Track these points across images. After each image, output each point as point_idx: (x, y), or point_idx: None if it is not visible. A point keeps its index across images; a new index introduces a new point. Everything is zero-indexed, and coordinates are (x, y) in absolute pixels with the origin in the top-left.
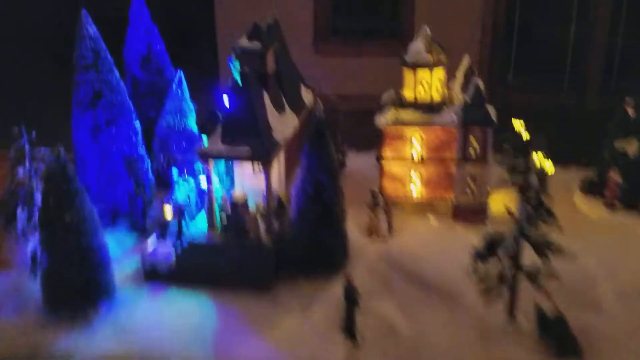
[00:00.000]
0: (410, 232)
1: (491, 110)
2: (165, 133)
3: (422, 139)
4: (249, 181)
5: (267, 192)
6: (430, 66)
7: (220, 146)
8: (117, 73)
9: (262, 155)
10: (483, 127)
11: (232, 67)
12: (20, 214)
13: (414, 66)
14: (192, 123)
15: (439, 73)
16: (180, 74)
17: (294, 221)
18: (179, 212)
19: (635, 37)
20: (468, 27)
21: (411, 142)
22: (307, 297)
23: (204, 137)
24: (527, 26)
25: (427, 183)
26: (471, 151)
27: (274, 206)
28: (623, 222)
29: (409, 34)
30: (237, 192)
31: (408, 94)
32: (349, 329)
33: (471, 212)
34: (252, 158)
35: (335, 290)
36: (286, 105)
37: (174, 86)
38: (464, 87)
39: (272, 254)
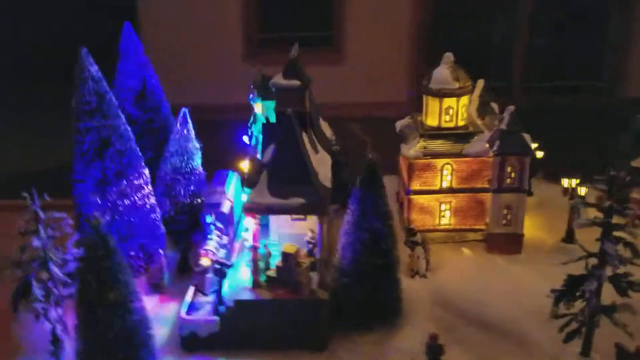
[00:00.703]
0: (451, 267)
1: (527, 138)
2: (170, 177)
3: (452, 169)
4: (286, 229)
5: (320, 243)
6: (457, 94)
7: (269, 199)
8: (123, 117)
9: (319, 207)
10: (520, 156)
11: (259, 106)
12: (36, 289)
13: (440, 95)
14: (198, 164)
15: (465, 100)
16: (185, 111)
17: (345, 271)
18: (219, 268)
19: (556, 36)
20: (397, 35)
21: (441, 173)
22: (366, 355)
23: (247, 190)
24: (453, 29)
25: (456, 213)
26: (507, 180)
27: (326, 257)
28: None
29: (340, 43)
30: (287, 243)
31: (431, 122)
32: None
33: (506, 242)
34: (308, 211)
35: (395, 344)
36: (317, 144)
37: (178, 124)
38: (480, 110)
39: (329, 309)
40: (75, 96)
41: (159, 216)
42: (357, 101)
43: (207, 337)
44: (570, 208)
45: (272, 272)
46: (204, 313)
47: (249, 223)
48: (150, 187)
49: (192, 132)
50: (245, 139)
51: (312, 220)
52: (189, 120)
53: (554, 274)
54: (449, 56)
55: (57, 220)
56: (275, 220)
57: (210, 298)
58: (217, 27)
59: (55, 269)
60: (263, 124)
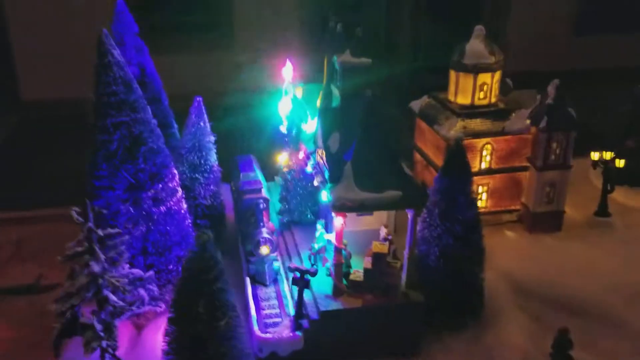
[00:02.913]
0: (507, 252)
1: (572, 112)
2: (188, 178)
3: (492, 149)
4: (349, 226)
5: (411, 239)
6: (492, 69)
7: (360, 194)
8: (150, 110)
9: (418, 199)
10: (567, 130)
11: (300, 90)
12: (97, 324)
13: (476, 70)
14: (215, 160)
15: (498, 76)
16: (200, 99)
17: (433, 268)
18: (301, 277)
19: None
20: (285, 18)
21: (480, 154)
22: (466, 355)
23: (330, 186)
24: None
25: (492, 195)
26: (552, 157)
27: (415, 256)
28: None
29: (227, 28)
30: (377, 242)
31: (463, 100)
32: None
33: (547, 220)
34: (407, 205)
35: (494, 340)
36: None
37: (193, 116)
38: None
39: (424, 311)
40: (97, 87)
41: (191, 221)
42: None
43: (289, 356)
44: (605, 183)
45: (356, 276)
46: (283, 328)
47: (333, 222)
48: (181, 189)
49: (208, 124)
50: (282, 128)
51: (380, 215)
52: (204, 109)
53: (610, 248)
54: (480, 29)
55: (111, 236)
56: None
57: (273, 301)
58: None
59: (114, 297)
60: (322, 109)
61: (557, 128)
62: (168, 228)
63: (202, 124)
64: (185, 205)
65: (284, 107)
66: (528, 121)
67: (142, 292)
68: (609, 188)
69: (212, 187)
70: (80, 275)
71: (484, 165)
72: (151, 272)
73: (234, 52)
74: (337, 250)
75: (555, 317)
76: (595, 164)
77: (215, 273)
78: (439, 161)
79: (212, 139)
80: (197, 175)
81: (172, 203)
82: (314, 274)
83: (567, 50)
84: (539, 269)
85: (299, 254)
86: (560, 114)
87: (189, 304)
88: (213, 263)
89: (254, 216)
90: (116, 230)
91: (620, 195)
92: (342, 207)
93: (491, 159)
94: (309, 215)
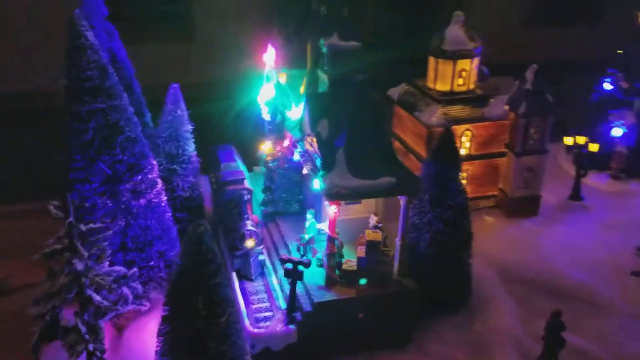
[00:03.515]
0: (490, 237)
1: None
2: (166, 169)
3: (472, 135)
4: (338, 216)
5: (403, 226)
6: (471, 55)
7: (353, 181)
8: (126, 97)
9: (412, 186)
10: (545, 116)
11: (284, 76)
12: (81, 326)
13: (456, 56)
14: (193, 150)
15: (476, 62)
16: (176, 86)
17: (423, 255)
18: (293, 268)
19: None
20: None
21: (460, 140)
22: (457, 341)
23: (323, 173)
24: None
25: (471, 181)
26: (530, 142)
27: (406, 242)
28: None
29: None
30: (370, 230)
31: (442, 87)
32: None
33: (525, 205)
34: (400, 191)
35: (483, 326)
36: None
37: (170, 104)
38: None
39: (418, 298)
40: (69, 71)
41: (170, 214)
42: (208, 79)
43: (283, 350)
44: (577, 167)
45: (349, 266)
46: (275, 323)
47: (325, 211)
48: (160, 180)
49: (186, 113)
50: (266, 116)
51: (369, 203)
52: (181, 97)
53: (586, 230)
54: (459, 14)
55: (94, 231)
56: (324, 206)
57: (262, 295)
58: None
59: (98, 297)
60: (309, 95)
61: (536, 113)
62: (148, 222)
63: (179, 112)
64: (165, 198)
65: (265, 94)
66: (507, 107)
67: (126, 290)
68: (582, 172)
69: (190, 178)
70: (61, 274)
71: (463, 152)
72: (135, 269)
73: (195, 43)
74: (330, 240)
75: (541, 301)
76: (569, 148)
77: (214, 266)
78: (419, 148)
79: (190, 127)
80: (174, 166)
81: (152, 195)
82: (307, 265)
83: (520, 42)
84: (521, 253)
85: (286, 246)
86: (539, 99)
87: (187, 300)
88: (211, 256)
89: (237, 208)
90: (98, 224)
91: (591, 179)
92: (336, 195)
93: (471, 145)
94: (294, 206)
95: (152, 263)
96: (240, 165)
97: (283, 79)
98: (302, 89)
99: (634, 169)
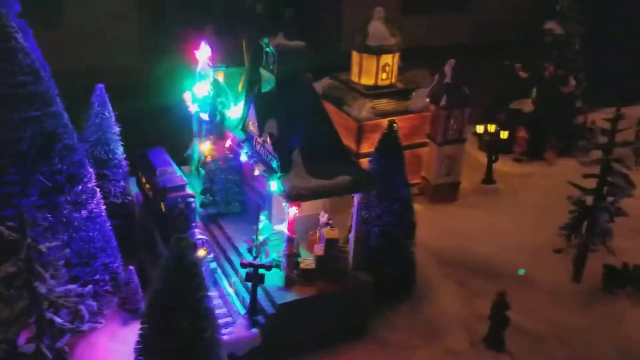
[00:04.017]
0: (420, 224)
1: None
2: (95, 175)
3: (398, 127)
4: (281, 209)
5: (357, 222)
6: (394, 50)
7: (313, 182)
8: (59, 101)
9: (368, 183)
10: (463, 108)
11: (222, 75)
12: (45, 351)
13: (379, 51)
14: (122, 153)
15: (397, 56)
16: (102, 87)
17: (373, 247)
18: (254, 272)
19: None
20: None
21: None
22: (410, 327)
23: (281, 175)
24: None
25: None
26: (450, 132)
27: (361, 236)
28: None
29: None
30: (327, 228)
31: (367, 81)
32: (499, 342)
33: (446, 191)
34: (357, 189)
35: (425, 312)
36: None
37: (96, 106)
38: None
39: (371, 289)
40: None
41: (110, 224)
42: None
43: (247, 354)
44: (489, 153)
45: (306, 264)
46: (239, 328)
47: (285, 213)
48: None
49: (113, 115)
50: (204, 115)
51: (316, 201)
52: (107, 98)
53: (502, 212)
54: (380, 10)
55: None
56: (276, 207)
57: (217, 301)
58: None
59: (59, 319)
60: (255, 95)
61: (455, 105)
62: (91, 234)
63: (106, 114)
64: (104, 207)
65: (199, 92)
66: (427, 100)
67: (82, 308)
68: (493, 158)
69: (122, 183)
70: (19, 299)
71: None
72: (90, 287)
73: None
74: (290, 240)
75: (477, 281)
76: (480, 136)
77: (198, 280)
78: (349, 142)
79: (118, 130)
80: (105, 171)
81: (92, 205)
82: (269, 268)
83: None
84: (451, 238)
85: (234, 248)
86: (457, 92)
87: (171, 318)
88: (195, 271)
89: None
90: (55, 243)
91: (500, 164)
92: (297, 197)
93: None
94: (236, 206)
95: (97, 277)
96: (177, 169)
97: (221, 77)
98: (240, 87)
99: (534, 152)
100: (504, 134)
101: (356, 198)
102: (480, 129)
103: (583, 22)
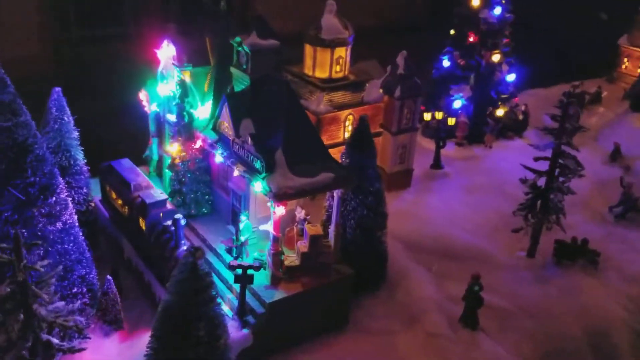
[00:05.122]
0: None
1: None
2: None
3: (354, 119)
4: (265, 212)
5: (337, 216)
6: (347, 43)
7: (297, 181)
8: (26, 110)
9: (349, 179)
10: (415, 98)
11: (188, 75)
12: None
13: (333, 44)
14: (82, 159)
15: (350, 49)
16: (59, 90)
17: (350, 240)
18: (243, 273)
19: None
20: None
21: (344, 124)
22: (388, 314)
23: (266, 175)
24: None
25: None
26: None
27: (340, 231)
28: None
29: None
30: (310, 225)
31: (321, 74)
32: (473, 321)
33: (400, 178)
34: (339, 185)
35: (401, 299)
36: None
37: (54, 111)
38: None
39: (353, 281)
40: None
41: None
42: None
43: (238, 356)
44: (437, 140)
45: (291, 261)
46: (230, 330)
47: (264, 212)
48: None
49: (72, 119)
50: (171, 117)
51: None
52: (65, 102)
53: (454, 195)
54: (332, 4)
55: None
56: (254, 206)
57: None
58: None
59: (56, 340)
60: (228, 94)
61: (409, 96)
62: (66, 246)
63: (65, 118)
64: (76, 217)
65: (161, 92)
66: (381, 90)
67: (72, 325)
68: (441, 144)
69: (84, 189)
70: (14, 323)
71: (347, 135)
72: (78, 302)
73: None
74: (275, 239)
75: (443, 264)
76: (427, 123)
77: (211, 290)
78: None
79: (77, 135)
80: (67, 178)
81: (67, 217)
82: (258, 268)
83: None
84: (412, 223)
85: (211, 249)
86: (410, 82)
87: (187, 330)
88: (209, 281)
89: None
90: (47, 261)
91: (444, 149)
92: (284, 196)
93: (354, 126)
94: (206, 207)
95: (75, 290)
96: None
97: (187, 77)
98: (206, 86)
99: (474, 136)
100: (451, 121)
101: (336, 194)
102: (427, 116)
103: (513, 11)
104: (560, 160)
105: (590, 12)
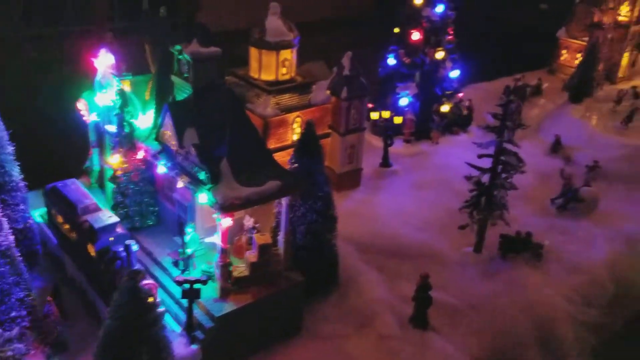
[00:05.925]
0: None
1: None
2: None
3: (302, 121)
4: (211, 222)
5: (286, 224)
6: (292, 45)
7: (243, 191)
8: None
9: (297, 186)
10: (362, 97)
11: (128, 84)
12: None
13: (278, 47)
14: (18, 176)
15: (295, 51)
16: None
17: (300, 245)
18: (190, 288)
19: None
20: None
21: (292, 127)
22: (341, 317)
23: (211, 186)
24: None
25: None
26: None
27: (290, 238)
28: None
29: None
30: (258, 234)
31: (267, 76)
32: (423, 320)
33: (351, 179)
34: (287, 193)
35: (353, 301)
36: None
37: None
38: None
39: (305, 287)
40: None
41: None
42: None
43: None
44: (385, 138)
45: (240, 272)
46: (178, 346)
47: (210, 223)
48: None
49: (6, 133)
50: (111, 127)
51: None
52: None
53: (404, 193)
54: (276, 6)
55: None
56: (200, 216)
57: None
58: None
59: None
60: (170, 103)
61: (355, 96)
62: (2, 269)
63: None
64: (13, 237)
65: (100, 101)
66: (328, 92)
67: (10, 354)
68: (389, 142)
69: (21, 207)
70: None
71: (295, 137)
72: (17, 329)
73: None
74: (223, 251)
75: (394, 263)
76: (375, 122)
77: (154, 313)
78: None
79: (12, 149)
80: (2, 196)
81: (2, 238)
82: (205, 282)
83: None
84: (362, 223)
85: (157, 263)
86: (357, 83)
87: (129, 355)
88: (150, 304)
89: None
90: None
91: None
92: (231, 207)
93: (301, 130)
94: (151, 218)
95: (13, 314)
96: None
97: (127, 86)
98: (147, 95)
99: (421, 133)
100: (398, 119)
101: (285, 201)
102: (375, 115)
103: (455, 8)
104: (502, 157)
105: (532, 2)
